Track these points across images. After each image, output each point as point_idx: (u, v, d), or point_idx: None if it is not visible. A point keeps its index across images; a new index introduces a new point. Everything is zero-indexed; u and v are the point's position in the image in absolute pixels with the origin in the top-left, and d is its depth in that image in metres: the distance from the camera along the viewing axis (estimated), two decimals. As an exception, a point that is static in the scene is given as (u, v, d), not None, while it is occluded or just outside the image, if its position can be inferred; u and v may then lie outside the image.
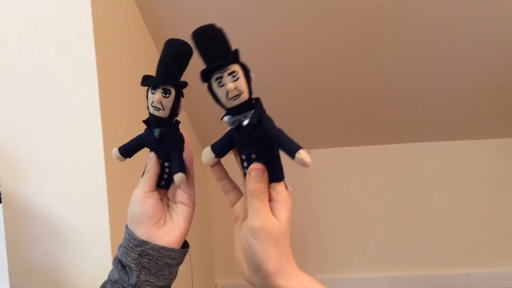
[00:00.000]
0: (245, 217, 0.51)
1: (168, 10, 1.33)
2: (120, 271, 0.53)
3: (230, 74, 0.46)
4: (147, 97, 0.53)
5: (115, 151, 0.58)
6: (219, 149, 0.52)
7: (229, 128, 0.51)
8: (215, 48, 0.47)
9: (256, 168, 0.48)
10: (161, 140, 0.55)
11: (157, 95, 0.51)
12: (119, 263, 0.54)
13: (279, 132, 0.48)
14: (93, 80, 0.93)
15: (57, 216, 0.94)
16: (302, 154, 0.44)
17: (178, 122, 0.56)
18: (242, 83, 0.46)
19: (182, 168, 0.55)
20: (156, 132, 0.54)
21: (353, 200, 2.26)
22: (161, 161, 0.57)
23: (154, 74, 0.53)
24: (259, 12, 1.34)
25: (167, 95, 0.51)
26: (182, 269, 0.60)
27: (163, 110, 0.52)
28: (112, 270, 0.56)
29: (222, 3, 1.31)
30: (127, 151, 0.58)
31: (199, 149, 2.07)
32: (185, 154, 0.56)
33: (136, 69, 1.23)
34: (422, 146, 2.20)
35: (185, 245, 0.58)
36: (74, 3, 0.94)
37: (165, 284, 0.55)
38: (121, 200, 0.99)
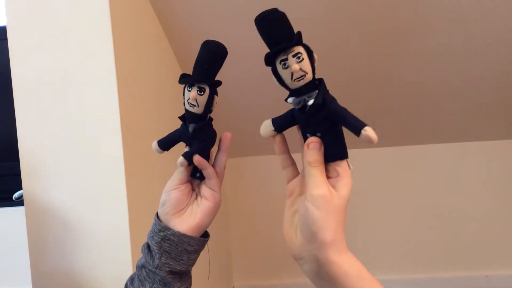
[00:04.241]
0: (300, 193, 0.54)
1: (185, 15, 1.34)
2: (147, 255, 0.58)
3: (294, 55, 0.47)
4: (184, 94, 0.57)
5: (154, 144, 0.61)
6: (280, 124, 0.54)
7: (291, 108, 0.53)
8: (278, 31, 0.48)
9: (314, 140, 0.50)
10: (194, 135, 0.59)
11: (193, 92, 0.55)
12: (147, 248, 0.59)
13: (344, 110, 0.49)
14: (112, 83, 0.95)
15: (78, 220, 0.95)
16: (368, 130, 0.45)
17: (211, 119, 0.60)
18: (306, 64, 0.48)
19: (188, 156, 0.58)
20: (191, 128, 0.58)
21: (368, 202, 2.24)
22: None
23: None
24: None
25: (202, 93, 0.55)
26: (200, 261, 0.63)
27: (198, 107, 0.56)
28: (140, 258, 0.60)
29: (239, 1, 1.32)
30: (166, 144, 0.61)
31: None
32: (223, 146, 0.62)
33: (153, 72, 1.24)
34: (438, 148, 2.17)
35: (205, 237, 0.62)
36: (93, 11, 0.96)
37: (183, 269, 0.59)
38: (141, 204, 1.00)
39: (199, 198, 0.62)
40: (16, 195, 1.16)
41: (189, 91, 0.55)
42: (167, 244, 0.57)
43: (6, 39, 0.98)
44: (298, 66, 0.47)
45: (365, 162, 2.23)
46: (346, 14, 1.36)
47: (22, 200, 0.98)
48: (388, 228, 2.25)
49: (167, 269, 0.57)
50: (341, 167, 0.50)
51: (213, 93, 0.57)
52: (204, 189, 0.61)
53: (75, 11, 0.96)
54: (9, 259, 1.35)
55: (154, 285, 0.57)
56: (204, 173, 0.60)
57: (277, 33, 0.48)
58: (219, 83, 0.57)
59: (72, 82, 0.96)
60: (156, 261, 0.57)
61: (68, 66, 0.96)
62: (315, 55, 0.49)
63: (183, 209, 0.60)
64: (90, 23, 0.96)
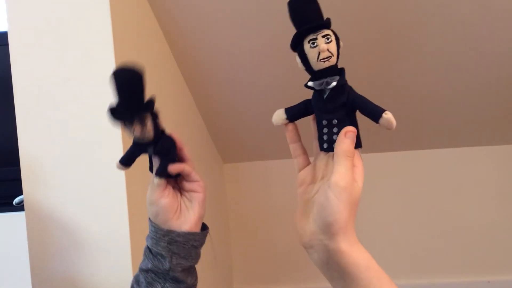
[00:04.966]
0: (311, 182, 0.54)
1: (185, 19, 1.34)
2: (153, 260, 0.59)
3: (324, 36, 0.49)
4: (125, 129, 0.54)
5: (117, 163, 0.61)
6: (292, 113, 0.55)
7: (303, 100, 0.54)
8: (310, 14, 0.50)
9: (352, 130, 0.50)
10: (158, 154, 0.59)
11: (136, 128, 0.52)
12: (150, 253, 0.60)
13: (363, 96, 0.51)
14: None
15: (79, 225, 0.95)
16: (389, 114, 0.47)
17: (163, 130, 0.58)
18: (333, 46, 0.49)
19: (163, 172, 0.58)
20: (150, 151, 0.58)
21: (369, 207, 2.24)
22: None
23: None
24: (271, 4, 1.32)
25: (144, 125, 0.52)
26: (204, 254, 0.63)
27: (147, 134, 0.54)
28: (143, 260, 0.61)
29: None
30: (129, 160, 0.61)
31: (220, 165, 2.13)
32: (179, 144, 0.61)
33: (153, 76, 1.24)
34: (441, 153, 2.17)
35: (204, 228, 0.64)
36: (94, 16, 0.96)
37: (193, 264, 0.61)
38: (142, 210, 1.00)
39: (185, 194, 0.63)
40: (16, 200, 1.16)
41: (130, 128, 0.52)
42: (174, 246, 0.58)
43: (7, 44, 0.98)
44: (326, 46, 0.48)
45: (366, 167, 2.22)
46: (348, 20, 1.36)
47: (23, 205, 0.97)
48: (389, 233, 2.24)
49: (180, 269, 0.58)
50: (356, 155, 0.51)
51: (155, 117, 0.54)
52: (188, 184, 0.62)
53: (75, 17, 0.96)
54: (9, 264, 1.35)
55: (166, 284, 0.58)
56: (183, 173, 0.61)
57: (310, 15, 0.50)
58: (153, 102, 0.54)
59: (72, 87, 0.96)
60: (167, 264, 0.58)
61: (69, 71, 0.96)
62: (341, 42, 0.51)
63: (177, 210, 0.61)
64: (91, 29, 0.96)
